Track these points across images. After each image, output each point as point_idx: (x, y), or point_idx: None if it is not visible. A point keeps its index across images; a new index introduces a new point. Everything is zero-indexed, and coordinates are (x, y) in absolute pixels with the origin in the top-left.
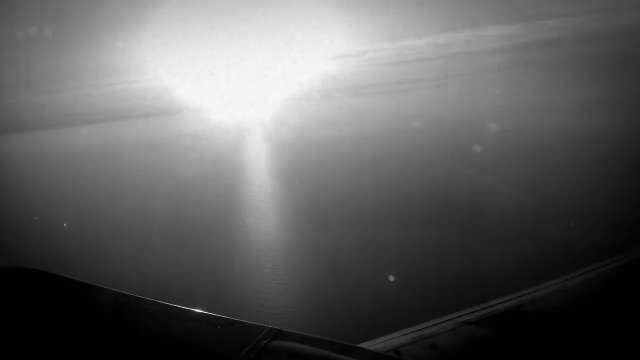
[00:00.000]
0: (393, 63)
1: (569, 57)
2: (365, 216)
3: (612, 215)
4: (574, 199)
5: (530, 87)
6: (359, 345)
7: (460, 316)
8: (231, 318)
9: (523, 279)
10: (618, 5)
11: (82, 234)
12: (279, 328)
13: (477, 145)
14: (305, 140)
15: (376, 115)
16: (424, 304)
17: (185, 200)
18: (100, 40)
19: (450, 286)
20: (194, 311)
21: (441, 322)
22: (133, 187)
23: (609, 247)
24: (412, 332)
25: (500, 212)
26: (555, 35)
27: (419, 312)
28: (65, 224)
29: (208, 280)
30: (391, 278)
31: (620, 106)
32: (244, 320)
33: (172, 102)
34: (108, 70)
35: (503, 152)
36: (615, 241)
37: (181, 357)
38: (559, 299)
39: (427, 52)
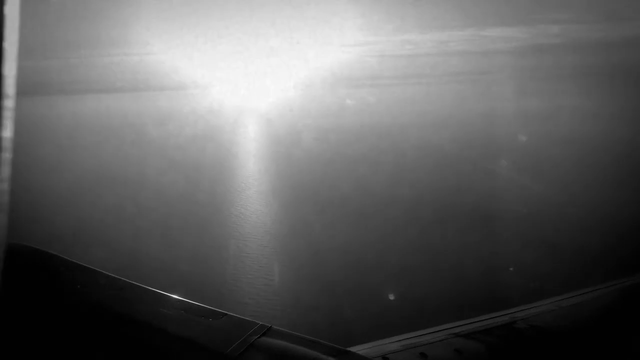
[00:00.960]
0: (393, 56)
1: (566, 64)
2: (348, 209)
3: (609, 234)
4: (566, 210)
5: (526, 90)
6: (348, 349)
7: (451, 328)
8: (223, 311)
9: (516, 295)
10: (618, 17)
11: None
12: (269, 325)
13: (466, 149)
14: (296, 128)
15: (370, 108)
16: (411, 312)
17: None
18: (101, 8)
19: (439, 296)
20: (186, 301)
21: (432, 332)
22: (116, 162)
23: (605, 269)
24: (401, 339)
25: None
26: (555, 41)
27: (407, 320)
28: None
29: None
30: (376, 282)
31: (615, 114)
32: (236, 315)
33: (174, 78)
34: (109, 40)
35: (493, 158)
36: (612, 263)
37: (170, 347)
38: (552, 319)
39: (427, 48)
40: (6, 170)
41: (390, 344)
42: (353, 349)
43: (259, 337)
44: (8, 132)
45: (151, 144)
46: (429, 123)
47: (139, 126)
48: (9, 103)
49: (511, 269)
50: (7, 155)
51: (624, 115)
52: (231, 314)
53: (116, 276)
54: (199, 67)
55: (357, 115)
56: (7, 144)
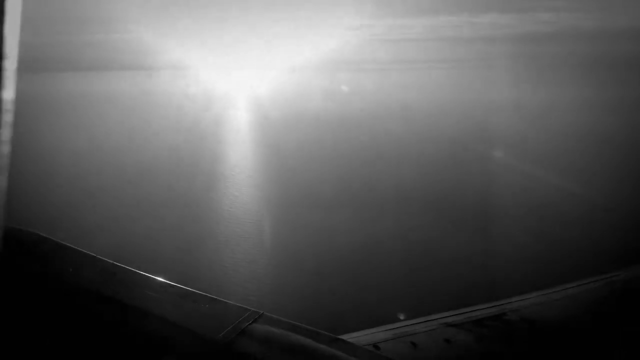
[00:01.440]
0: (383, 41)
1: (558, 52)
2: (333, 199)
3: (603, 226)
4: (555, 201)
5: (517, 78)
6: (339, 337)
7: (442, 317)
8: (214, 297)
9: (507, 287)
10: (610, 6)
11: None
12: (261, 312)
13: (455, 135)
14: (282, 112)
15: (360, 93)
16: (403, 301)
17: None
18: None
19: (431, 286)
20: (177, 286)
21: (422, 322)
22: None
23: (597, 261)
24: (392, 328)
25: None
26: (547, 29)
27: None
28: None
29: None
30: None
31: (607, 103)
32: (227, 301)
33: (162, 58)
34: (97, 19)
35: (484, 145)
36: (604, 256)
37: (161, 332)
38: (543, 311)
39: (419, 33)
40: (4, 160)
41: (380, 332)
42: (343, 337)
43: (250, 324)
44: (8, 128)
45: (130, 126)
46: (419, 109)
47: (117, 106)
48: (9, 95)
49: (499, 261)
50: (6, 147)
51: (616, 105)
52: (222, 299)
53: (109, 260)
54: (186, 48)
55: (346, 100)
56: (7, 134)
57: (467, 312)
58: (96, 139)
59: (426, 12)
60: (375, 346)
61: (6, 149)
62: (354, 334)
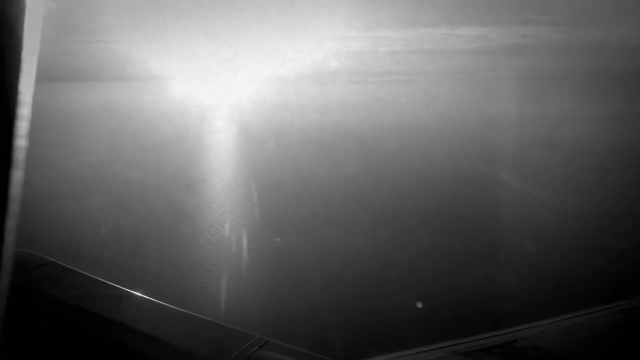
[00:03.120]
0: (366, 53)
1: (537, 65)
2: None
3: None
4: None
5: (498, 90)
6: None
7: (450, 345)
8: (220, 323)
9: (517, 313)
10: (589, 19)
11: None
12: (267, 338)
13: (437, 148)
14: (265, 123)
15: (342, 105)
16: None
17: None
18: None
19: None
20: (183, 312)
21: (430, 350)
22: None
23: (609, 289)
24: (398, 357)
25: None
26: (526, 41)
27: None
28: None
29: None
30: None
31: (586, 115)
32: (232, 326)
33: (145, 68)
34: (77, 27)
35: (464, 157)
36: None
37: (166, 358)
38: (555, 339)
39: (401, 45)
40: (18, 175)
41: None
42: None
43: (256, 350)
44: (23, 140)
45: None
46: (401, 122)
47: (98, 117)
48: (25, 111)
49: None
50: (21, 160)
51: (595, 116)
52: (228, 325)
53: (114, 284)
54: (169, 58)
55: (328, 112)
56: (21, 150)
57: (476, 340)
58: (76, 150)
59: (406, 25)
60: None
61: (20, 175)
62: None
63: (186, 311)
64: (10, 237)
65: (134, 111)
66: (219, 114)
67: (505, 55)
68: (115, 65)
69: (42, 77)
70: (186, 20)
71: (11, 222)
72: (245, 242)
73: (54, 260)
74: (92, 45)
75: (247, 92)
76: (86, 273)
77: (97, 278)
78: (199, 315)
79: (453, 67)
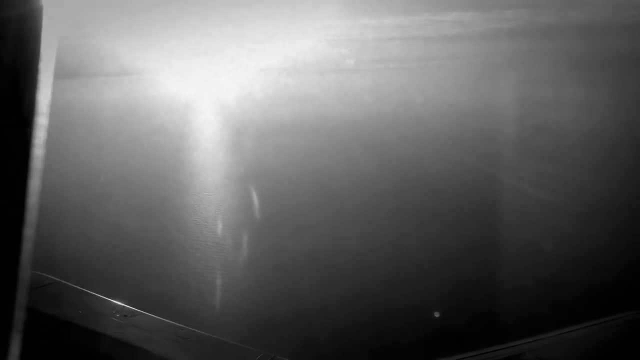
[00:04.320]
0: (346, 41)
1: (521, 49)
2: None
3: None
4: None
5: (482, 76)
6: None
7: (458, 359)
8: (225, 340)
9: (523, 326)
10: (570, 3)
11: None
12: (273, 354)
13: (420, 137)
14: (247, 115)
15: (324, 96)
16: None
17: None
18: None
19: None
20: (189, 329)
21: None
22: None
23: (614, 300)
24: None
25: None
26: (508, 26)
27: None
28: None
29: None
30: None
31: (569, 100)
32: (239, 343)
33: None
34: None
35: (449, 146)
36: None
37: None
38: (561, 351)
39: (384, 32)
40: (37, 184)
41: None
42: None
43: None
44: (40, 148)
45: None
46: (384, 111)
47: (76, 114)
48: (43, 120)
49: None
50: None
51: (578, 102)
52: (233, 342)
53: (119, 303)
54: (148, 52)
55: (310, 103)
56: (39, 158)
57: (484, 354)
58: (54, 149)
59: (388, 13)
60: None
61: (35, 209)
62: None
63: (191, 329)
64: (26, 260)
65: (107, 108)
66: (199, 108)
67: (488, 40)
68: (91, 60)
69: None
70: (168, 12)
71: (27, 245)
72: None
73: (58, 279)
74: (68, 41)
75: (240, 84)
76: (91, 292)
77: (102, 297)
78: (204, 333)
79: (436, 54)
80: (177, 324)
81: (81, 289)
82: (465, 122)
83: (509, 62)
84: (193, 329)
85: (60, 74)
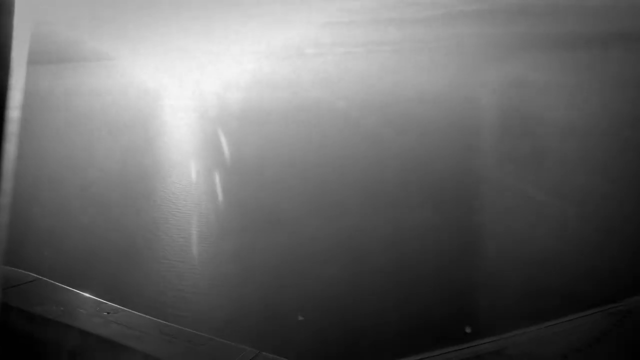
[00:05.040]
0: (321, 24)
1: (490, 31)
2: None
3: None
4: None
5: (453, 59)
6: None
7: (442, 354)
8: (209, 336)
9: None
10: None
11: None
12: (257, 351)
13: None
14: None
15: (296, 80)
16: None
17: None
18: None
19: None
20: (173, 326)
21: (423, 358)
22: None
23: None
24: None
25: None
26: (482, 7)
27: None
28: None
29: None
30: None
31: (539, 82)
32: (223, 340)
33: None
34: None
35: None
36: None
37: None
38: (544, 344)
39: (358, 15)
40: (8, 184)
41: None
42: None
43: None
44: (11, 145)
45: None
46: (356, 96)
47: (44, 102)
48: (15, 113)
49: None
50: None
51: (547, 83)
52: (218, 338)
53: (102, 300)
54: (118, 38)
55: (280, 88)
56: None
57: (467, 348)
58: (18, 138)
59: None
60: None
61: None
62: None
63: (175, 325)
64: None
65: (76, 94)
66: (176, 96)
67: (464, 21)
68: (59, 46)
69: None
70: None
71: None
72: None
73: (40, 277)
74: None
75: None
76: (73, 289)
77: (85, 294)
78: (189, 330)
79: (412, 36)
80: (161, 320)
81: (63, 286)
82: (440, 107)
83: (480, 44)
84: (177, 326)
85: (32, 61)
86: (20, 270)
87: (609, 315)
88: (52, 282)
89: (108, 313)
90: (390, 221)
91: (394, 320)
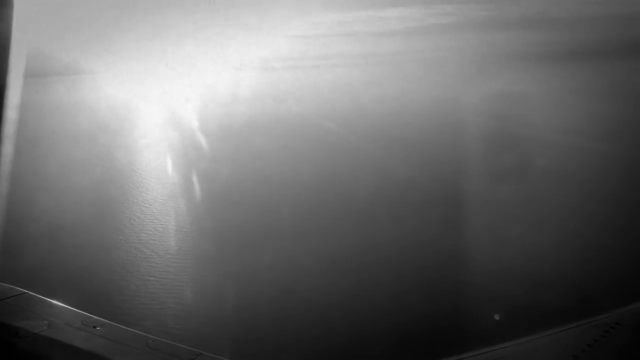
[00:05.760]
0: (294, 38)
1: (461, 44)
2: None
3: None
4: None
5: (423, 72)
6: None
7: None
8: (198, 351)
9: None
10: None
11: None
12: (200, 351)
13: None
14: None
15: (266, 94)
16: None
17: None
18: None
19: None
20: (158, 339)
21: None
22: None
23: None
24: None
25: None
26: (450, 20)
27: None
28: None
29: None
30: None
31: (511, 93)
32: (211, 354)
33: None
34: None
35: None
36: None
37: None
38: (530, 358)
39: (327, 29)
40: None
41: None
42: None
43: None
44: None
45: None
46: (327, 109)
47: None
48: (11, 114)
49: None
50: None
51: (516, 95)
52: (207, 353)
53: (89, 314)
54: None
55: (253, 102)
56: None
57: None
58: None
59: (332, 8)
60: None
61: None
62: None
63: (162, 339)
64: None
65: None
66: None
67: (433, 34)
68: (33, 60)
69: None
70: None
71: None
72: None
73: (26, 291)
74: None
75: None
76: (60, 303)
77: (72, 308)
78: (176, 343)
79: (382, 50)
80: (147, 334)
81: (50, 300)
82: (414, 120)
83: (450, 56)
84: (164, 340)
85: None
86: (4, 284)
87: (597, 326)
88: (39, 296)
89: (95, 327)
90: (369, 235)
91: (381, 335)
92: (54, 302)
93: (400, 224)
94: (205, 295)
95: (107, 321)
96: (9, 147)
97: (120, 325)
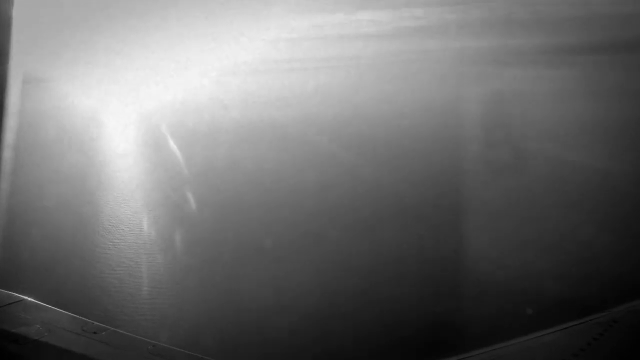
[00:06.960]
0: (265, 41)
1: (430, 47)
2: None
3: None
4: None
5: (397, 75)
6: None
7: None
8: (200, 356)
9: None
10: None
11: None
12: (202, 356)
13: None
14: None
15: (242, 97)
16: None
17: None
18: None
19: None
20: (158, 344)
21: None
22: None
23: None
24: None
25: None
26: (418, 24)
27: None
28: None
29: None
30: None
31: (482, 97)
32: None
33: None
34: None
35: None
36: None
37: None
38: (529, 357)
39: (301, 32)
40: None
41: None
42: None
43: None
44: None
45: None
46: (303, 113)
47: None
48: (10, 121)
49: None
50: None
51: (490, 96)
52: (207, 357)
53: (87, 320)
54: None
55: (234, 106)
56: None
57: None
58: None
59: (304, 12)
60: None
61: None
62: None
63: (164, 345)
64: None
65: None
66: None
67: (400, 38)
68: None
69: None
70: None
71: None
72: None
73: (25, 297)
74: None
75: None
76: (59, 310)
77: (71, 314)
78: (176, 349)
79: (353, 53)
80: (149, 340)
81: (49, 306)
82: (400, 123)
83: (421, 59)
84: (166, 345)
85: None
86: (4, 291)
87: (595, 325)
88: (38, 302)
89: (95, 333)
90: (357, 240)
91: (379, 335)
92: (53, 308)
93: (388, 227)
94: (193, 305)
95: (107, 327)
96: None
97: (121, 331)
